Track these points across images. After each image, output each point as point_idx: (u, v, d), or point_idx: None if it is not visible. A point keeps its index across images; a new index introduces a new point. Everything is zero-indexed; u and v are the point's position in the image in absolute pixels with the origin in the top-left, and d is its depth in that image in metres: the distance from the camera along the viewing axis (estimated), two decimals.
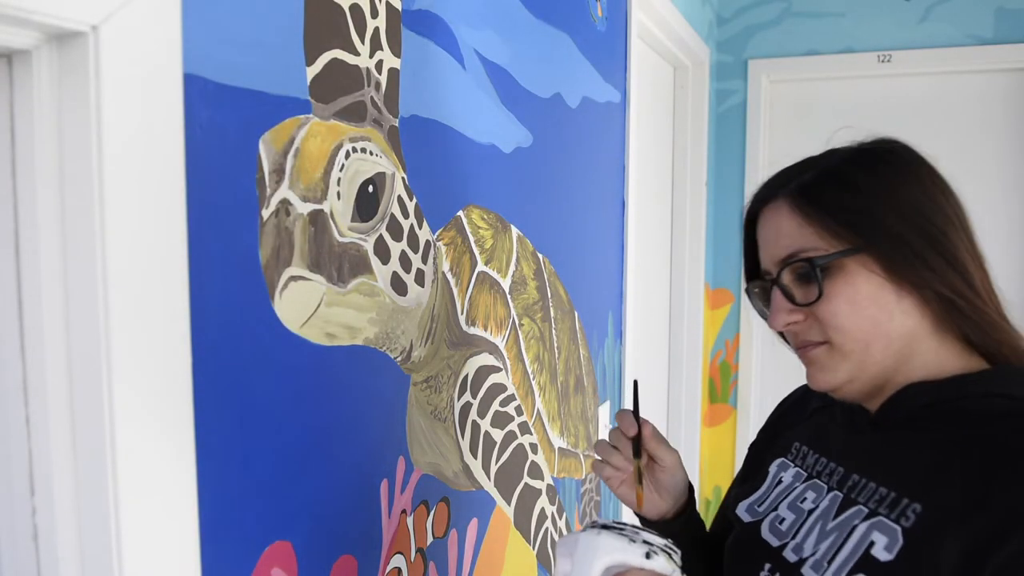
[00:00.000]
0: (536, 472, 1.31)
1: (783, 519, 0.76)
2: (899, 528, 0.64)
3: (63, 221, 0.54)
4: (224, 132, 0.66)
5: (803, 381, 0.80)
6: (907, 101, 2.73)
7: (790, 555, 0.72)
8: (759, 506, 0.81)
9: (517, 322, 1.23)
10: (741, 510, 0.82)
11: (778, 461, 0.84)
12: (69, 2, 0.50)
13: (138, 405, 0.57)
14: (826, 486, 0.75)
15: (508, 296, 1.20)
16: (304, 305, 0.76)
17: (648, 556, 0.68)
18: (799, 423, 0.86)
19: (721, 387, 3.02)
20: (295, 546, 0.76)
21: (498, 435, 1.18)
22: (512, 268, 1.21)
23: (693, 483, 0.99)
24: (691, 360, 2.73)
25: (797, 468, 0.81)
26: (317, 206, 0.77)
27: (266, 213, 0.70)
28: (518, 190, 1.24)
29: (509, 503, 1.23)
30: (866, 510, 0.68)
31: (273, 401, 0.73)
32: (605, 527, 0.71)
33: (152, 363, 0.58)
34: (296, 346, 0.75)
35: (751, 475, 0.88)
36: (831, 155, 0.75)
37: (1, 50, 0.52)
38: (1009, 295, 0.74)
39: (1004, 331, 0.70)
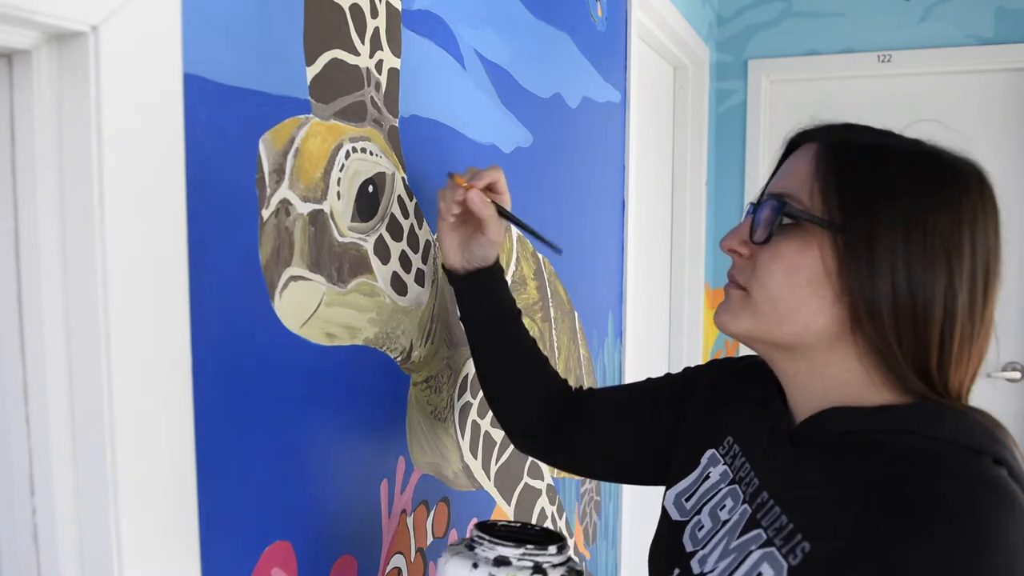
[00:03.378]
0: (536, 472, 1.31)
1: (702, 526, 0.74)
2: (786, 565, 0.62)
3: (63, 221, 0.54)
4: (224, 132, 0.66)
5: None
6: (907, 101, 2.73)
7: (695, 566, 0.71)
8: (687, 501, 0.78)
9: None
10: (669, 501, 0.79)
11: (709, 453, 0.80)
12: (69, 2, 0.50)
13: (138, 405, 0.57)
14: (742, 495, 0.72)
15: None
16: (304, 305, 0.76)
17: None
18: (735, 408, 0.80)
19: None
20: (295, 546, 0.76)
21: (498, 435, 1.17)
22: (512, 268, 1.21)
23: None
24: (691, 360, 2.73)
25: (725, 466, 0.77)
26: (317, 206, 0.77)
27: (266, 213, 0.70)
28: (518, 190, 1.24)
29: (509, 503, 1.23)
30: (764, 537, 0.66)
31: (273, 401, 0.73)
32: (470, 546, 0.68)
33: (152, 363, 0.58)
34: (296, 346, 0.75)
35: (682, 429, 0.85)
36: (905, 150, 0.66)
37: (1, 50, 0.52)
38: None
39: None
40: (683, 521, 0.77)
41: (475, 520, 0.76)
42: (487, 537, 0.68)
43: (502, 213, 0.88)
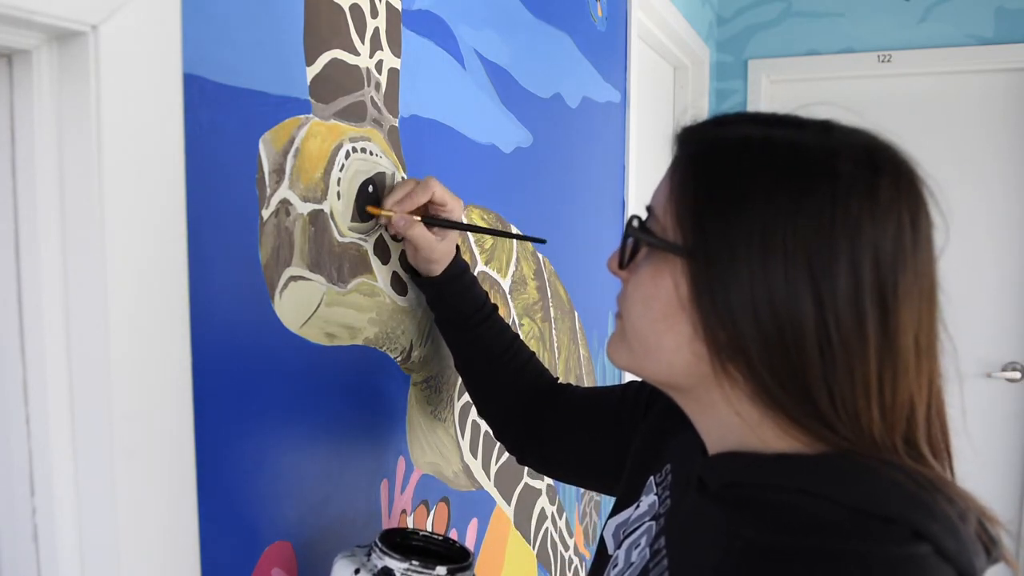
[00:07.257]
0: (536, 472, 1.31)
1: (617, 564, 0.65)
2: None
3: (63, 221, 0.54)
4: (224, 132, 0.66)
5: None
6: (907, 101, 2.73)
7: None
8: (624, 533, 0.68)
9: (517, 322, 1.23)
10: (608, 532, 0.71)
11: (649, 479, 0.70)
12: (69, 2, 0.50)
13: (138, 405, 0.57)
14: (652, 537, 0.62)
15: (508, 296, 1.20)
16: (304, 305, 0.76)
17: None
18: (681, 431, 0.68)
19: None
20: (295, 546, 0.76)
21: None
22: (512, 268, 1.21)
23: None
24: None
25: (655, 497, 0.67)
26: (317, 206, 0.77)
27: (266, 213, 0.70)
28: (518, 190, 1.24)
29: (509, 503, 1.23)
30: None
31: (273, 401, 0.73)
32: (369, 552, 0.68)
33: (152, 363, 0.58)
34: (296, 346, 0.75)
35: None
36: (772, 145, 0.53)
37: (1, 50, 0.52)
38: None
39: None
40: (611, 556, 0.68)
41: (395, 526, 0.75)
42: (381, 546, 0.67)
43: (436, 224, 0.87)
